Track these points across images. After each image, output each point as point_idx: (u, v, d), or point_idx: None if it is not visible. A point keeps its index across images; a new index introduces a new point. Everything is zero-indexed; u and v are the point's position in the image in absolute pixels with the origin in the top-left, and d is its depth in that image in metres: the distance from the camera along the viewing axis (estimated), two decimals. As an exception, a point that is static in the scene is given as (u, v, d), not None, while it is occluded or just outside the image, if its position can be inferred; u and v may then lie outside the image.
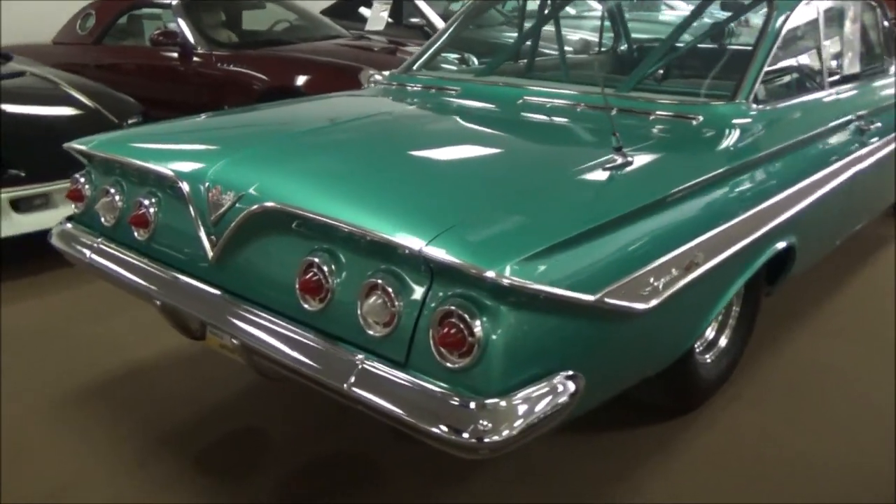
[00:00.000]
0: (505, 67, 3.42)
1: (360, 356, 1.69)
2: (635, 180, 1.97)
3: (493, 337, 1.52)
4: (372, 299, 1.66)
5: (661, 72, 3.55)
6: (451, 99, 2.90)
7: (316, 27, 6.41)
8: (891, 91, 3.53)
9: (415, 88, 3.08)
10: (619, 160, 1.97)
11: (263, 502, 2.22)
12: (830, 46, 3.06)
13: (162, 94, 5.63)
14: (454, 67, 4.51)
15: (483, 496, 2.22)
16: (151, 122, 4.33)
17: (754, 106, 2.49)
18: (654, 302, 1.81)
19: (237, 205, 1.96)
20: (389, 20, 6.38)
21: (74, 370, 2.92)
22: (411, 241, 1.58)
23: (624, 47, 4.23)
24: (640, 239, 1.82)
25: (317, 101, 3.12)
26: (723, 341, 2.63)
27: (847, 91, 3.11)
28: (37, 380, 2.86)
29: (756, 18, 3.92)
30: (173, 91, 5.66)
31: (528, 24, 3.83)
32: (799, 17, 2.80)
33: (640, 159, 2.03)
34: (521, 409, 1.53)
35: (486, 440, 1.50)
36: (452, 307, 1.55)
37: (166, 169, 2.18)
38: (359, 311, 1.69)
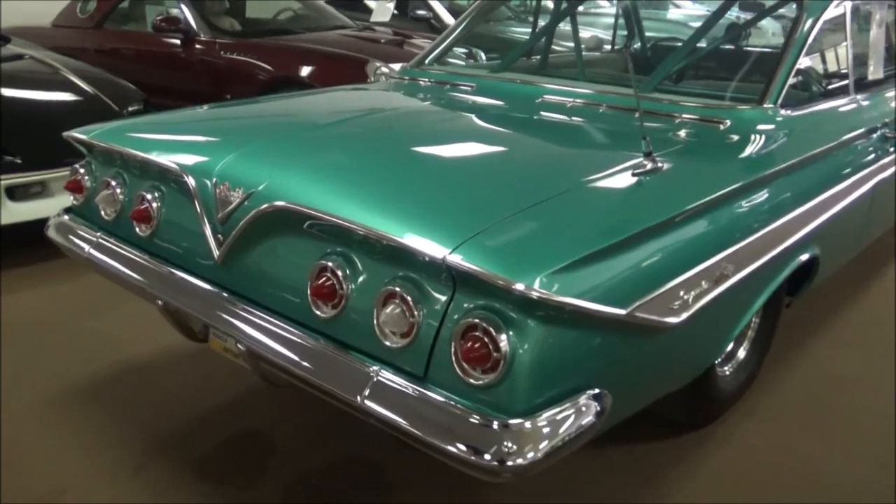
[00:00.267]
0: (518, 64, 3.32)
1: (374, 367, 1.60)
2: (665, 187, 1.88)
3: (520, 352, 1.43)
4: (389, 308, 1.57)
5: (678, 74, 3.47)
6: (467, 95, 2.80)
7: (321, 17, 6.30)
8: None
9: (427, 83, 2.99)
10: (649, 165, 1.88)
11: (265, 512, 2.14)
12: (856, 50, 2.98)
13: (163, 81, 5.52)
14: (461, 62, 4.42)
15: (494, 510, 2.14)
16: (152, 110, 4.24)
17: (782, 111, 2.40)
18: (684, 316, 1.72)
19: (246, 203, 1.87)
20: (395, 12, 6.27)
21: (71, 366, 2.83)
22: (434, 249, 1.49)
23: (637, 46, 4.14)
24: (670, 250, 1.73)
25: (326, 94, 3.02)
26: (741, 354, 2.55)
27: (873, 97, 3.02)
28: (31, 376, 2.76)
29: (777, 20, 3.85)
30: (175, 79, 5.55)
31: (539, 21, 3.74)
32: (828, 19, 2.71)
33: (669, 165, 1.94)
34: (547, 430, 1.44)
35: (510, 463, 1.41)
36: (476, 320, 1.45)
37: (171, 162, 2.08)
38: (375, 320, 1.60)
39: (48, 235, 2.48)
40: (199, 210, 1.98)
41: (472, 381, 1.47)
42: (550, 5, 3.91)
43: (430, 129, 2.36)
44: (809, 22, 2.58)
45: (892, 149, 3.03)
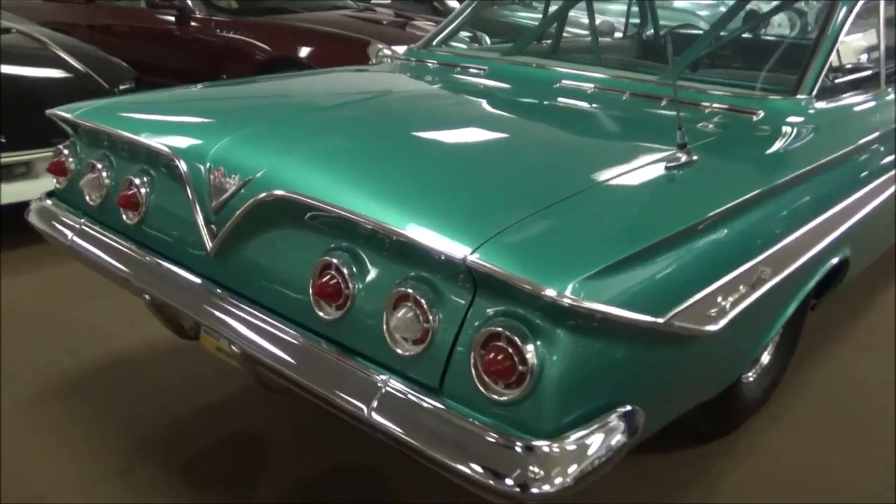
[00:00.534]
0: (529, 49, 3.15)
1: (383, 377, 1.45)
2: (701, 183, 1.73)
3: (549, 366, 1.28)
4: (401, 312, 1.41)
5: (695, 62, 3.30)
6: (479, 79, 2.63)
7: (321, -4, 6.12)
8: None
9: (435, 66, 2.82)
10: (683, 158, 1.72)
11: (258, 522, 1.99)
12: (889, 41, 2.82)
13: (157, 59, 5.33)
14: (465, 46, 4.25)
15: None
16: (145, 88, 4.07)
17: (816, 103, 2.25)
18: (721, 323, 1.57)
19: (242, 191, 1.71)
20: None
21: (55, 360, 2.67)
22: (453, 248, 1.33)
23: (651, 33, 3.97)
24: (707, 252, 1.58)
25: (329, 75, 2.84)
26: (766, 359, 2.40)
27: (905, 90, 2.87)
28: (13, 370, 2.60)
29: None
30: (169, 57, 5.36)
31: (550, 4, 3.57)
32: (862, 6, 2.54)
33: (702, 159, 1.79)
34: (576, 453, 1.29)
35: (535, 490, 1.26)
36: (499, 328, 1.30)
37: (162, 145, 1.92)
38: (384, 325, 1.45)
39: (29, 221, 2.31)
40: (190, 197, 1.81)
41: (493, 396, 1.31)
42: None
43: (442, 115, 2.19)
44: (845, 10, 2.42)
45: (923, 145, 2.88)
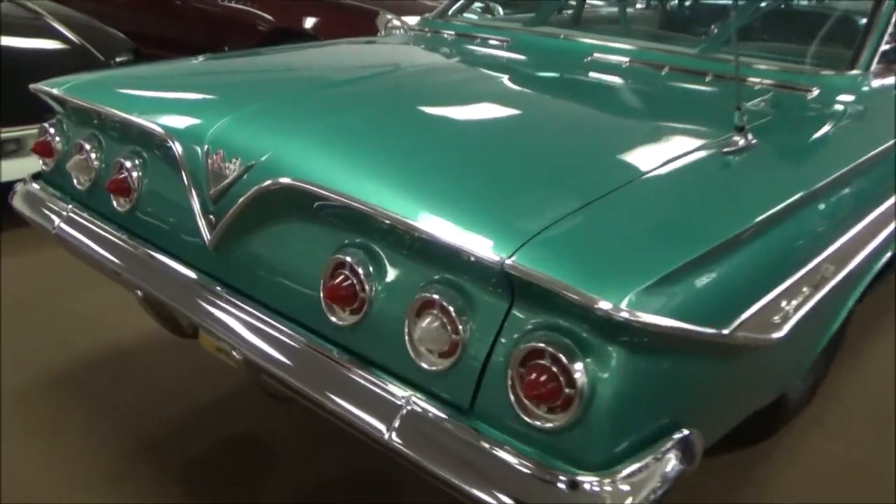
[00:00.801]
0: (552, 19, 2.93)
1: (405, 393, 1.27)
2: (763, 173, 1.54)
3: (600, 388, 1.10)
4: (426, 321, 1.23)
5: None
6: (501, 52, 2.42)
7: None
8: None
9: (452, 37, 2.60)
10: (741, 142, 1.53)
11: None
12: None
13: (155, 30, 5.11)
14: (476, 17, 4.02)
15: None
16: (143, 61, 3.86)
17: (873, 81, 2.04)
18: (786, 329, 1.39)
19: (244, 177, 1.52)
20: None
21: (41, 353, 2.50)
22: (488, 250, 1.15)
23: (676, 2, 3.74)
24: (772, 252, 1.39)
25: (338, 48, 2.63)
26: (809, 359, 2.22)
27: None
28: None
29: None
30: (167, 27, 5.15)
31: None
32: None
33: (758, 143, 1.59)
34: (628, 490, 1.11)
35: (581, 533, 1.09)
36: (542, 344, 1.12)
37: (154, 124, 1.73)
38: (406, 334, 1.27)
39: (14, 205, 2.12)
40: (186, 184, 1.63)
41: (535, 422, 1.13)
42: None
43: (464, 93, 1.97)
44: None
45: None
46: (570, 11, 3.15)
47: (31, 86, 2.09)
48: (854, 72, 2.01)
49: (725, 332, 1.22)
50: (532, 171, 1.44)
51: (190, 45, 4.84)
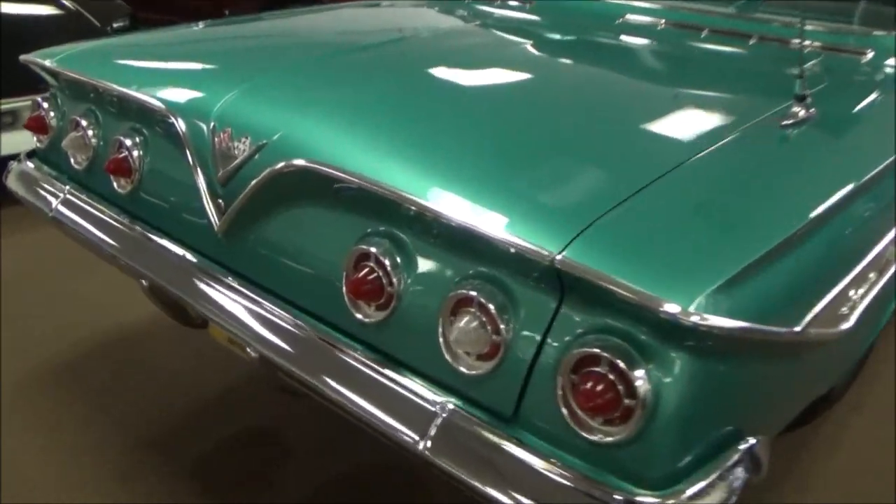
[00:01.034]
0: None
1: (441, 399, 1.15)
2: (826, 149, 1.40)
3: (664, 398, 0.98)
4: (463, 321, 1.11)
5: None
6: (523, 15, 2.26)
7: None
8: None
9: (469, -1, 2.44)
10: (801, 113, 1.39)
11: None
12: None
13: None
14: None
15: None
16: (141, 27, 3.70)
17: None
18: (853, 319, 1.27)
19: (255, 158, 1.38)
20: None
21: (41, 340, 2.39)
22: (536, 245, 1.02)
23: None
24: (840, 239, 1.26)
25: (350, 12, 2.46)
26: (852, 338, 2.10)
27: None
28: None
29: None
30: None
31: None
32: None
33: (817, 114, 1.44)
34: (697, 507, 1.00)
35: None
36: (597, 349, 0.99)
37: (155, 98, 1.59)
38: (441, 334, 1.14)
39: (8, 185, 1.99)
40: (192, 165, 1.49)
41: (589, 435, 1.02)
42: None
43: (491, 63, 1.79)
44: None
45: None
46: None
47: (22, 57, 1.95)
48: (911, 32, 1.86)
49: (798, 329, 1.09)
50: (573, 152, 1.30)
51: (190, 9, 4.66)
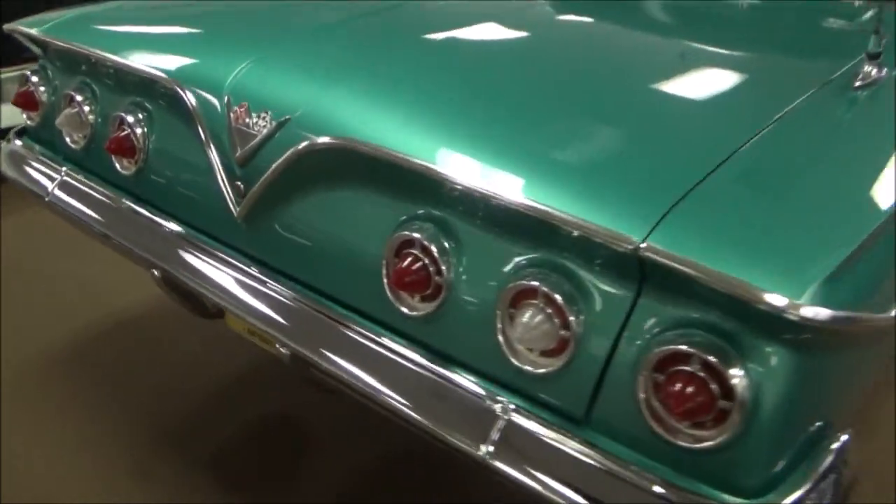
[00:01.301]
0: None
1: (502, 400, 1.05)
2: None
3: (764, 399, 0.88)
4: (527, 314, 1.00)
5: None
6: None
7: None
8: None
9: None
10: (874, 72, 1.27)
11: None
12: None
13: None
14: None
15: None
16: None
17: None
18: None
19: (277, 135, 1.25)
20: None
21: (42, 325, 2.28)
22: (616, 230, 0.90)
23: None
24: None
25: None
26: None
27: None
28: (-3, 341, 2.21)
29: None
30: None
31: None
32: None
33: (888, 74, 1.32)
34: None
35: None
36: (685, 346, 0.89)
37: (160, 70, 1.45)
38: (499, 330, 1.03)
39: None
40: (205, 143, 1.36)
41: (674, 440, 0.92)
42: None
43: (533, 23, 1.64)
44: None
45: None
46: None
47: (6, 26, 1.80)
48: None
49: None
50: (640, 125, 1.16)
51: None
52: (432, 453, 1.81)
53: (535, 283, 0.99)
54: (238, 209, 1.33)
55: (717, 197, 0.96)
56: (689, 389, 0.88)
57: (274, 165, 1.25)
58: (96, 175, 1.66)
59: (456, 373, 1.09)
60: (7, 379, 2.07)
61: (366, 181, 1.19)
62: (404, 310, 1.13)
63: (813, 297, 0.83)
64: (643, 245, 0.88)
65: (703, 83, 1.33)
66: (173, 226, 1.47)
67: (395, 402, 1.11)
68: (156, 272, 1.48)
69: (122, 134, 1.53)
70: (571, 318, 0.98)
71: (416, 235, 1.10)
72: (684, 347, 0.89)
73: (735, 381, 0.87)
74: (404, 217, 1.14)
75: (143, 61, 1.50)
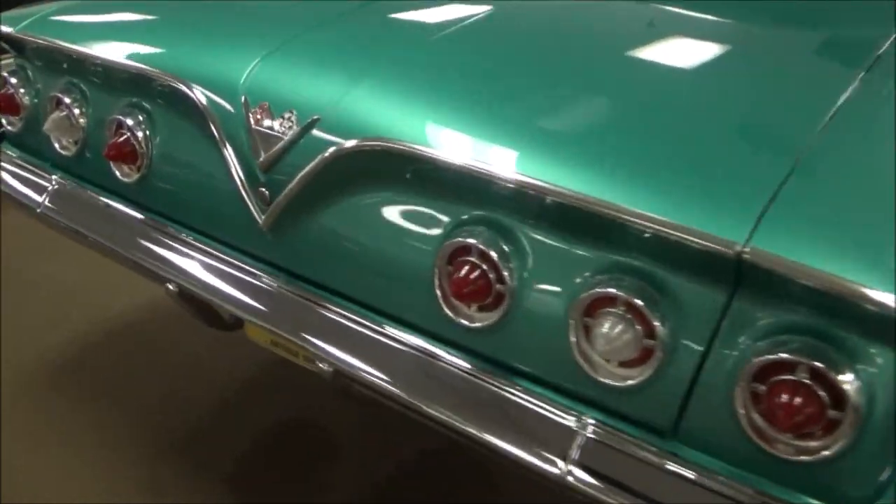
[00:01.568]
0: None
1: (579, 413, 0.98)
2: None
3: (878, 404, 0.83)
4: (606, 324, 0.93)
5: None
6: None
7: None
8: None
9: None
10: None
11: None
12: None
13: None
14: None
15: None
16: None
17: None
18: None
19: (306, 137, 1.16)
20: None
21: (33, 334, 2.16)
22: (713, 233, 0.84)
23: None
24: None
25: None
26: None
27: None
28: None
29: None
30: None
31: None
32: None
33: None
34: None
35: None
36: (791, 354, 0.83)
37: (160, 68, 1.34)
38: (574, 341, 0.97)
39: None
40: (220, 147, 1.26)
41: (776, 452, 0.86)
42: None
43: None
44: None
45: None
46: None
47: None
48: None
49: None
50: (715, 115, 1.08)
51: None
52: (455, 458, 1.77)
53: (614, 290, 0.93)
54: (263, 217, 1.23)
55: (808, 191, 0.90)
56: (797, 400, 0.82)
57: (305, 170, 1.15)
58: (91, 183, 1.55)
59: (525, 387, 1.02)
60: (3, 386, 1.96)
61: (408, 183, 1.10)
62: (462, 321, 1.06)
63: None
64: (747, 249, 0.82)
65: (761, 62, 1.25)
66: (192, 237, 1.36)
67: (459, 424, 1.03)
68: (171, 286, 1.38)
69: (122, 139, 1.42)
70: (657, 325, 0.91)
71: (472, 241, 1.02)
72: (788, 355, 0.83)
73: (846, 386, 0.82)
74: (456, 222, 1.06)
75: (140, 58, 1.38)
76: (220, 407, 1.96)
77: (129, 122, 1.41)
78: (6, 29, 1.58)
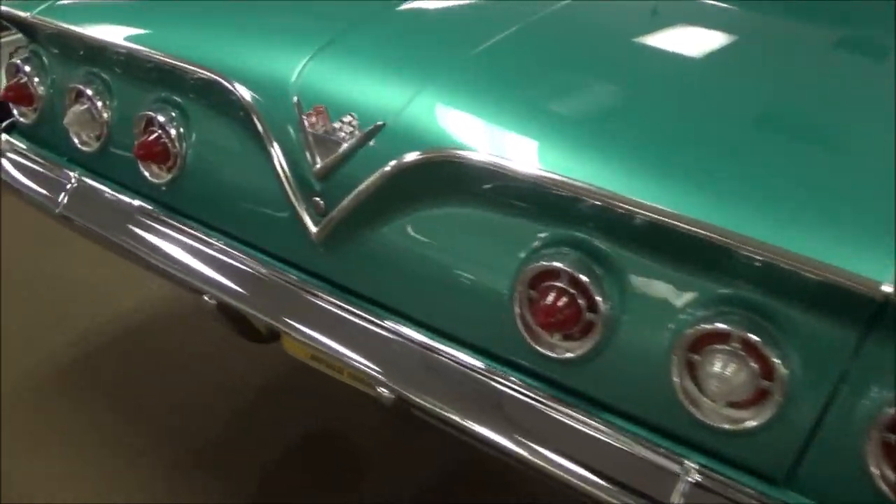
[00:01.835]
0: None
1: (681, 457, 0.90)
2: None
3: None
4: (717, 363, 0.85)
5: None
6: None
7: None
8: None
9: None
10: None
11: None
12: None
13: None
14: None
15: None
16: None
17: None
18: None
19: (370, 144, 1.06)
20: None
21: (39, 333, 2.06)
22: (859, 274, 0.76)
23: None
24: None
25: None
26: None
27: None
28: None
29: None
30: None
31: None
32: None
33: None
34: None
35: None
36: (937, 403, 0.76)
37: (198, 62, 1.23)
38: (678, 381, 0.88)
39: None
40: (269, 151, 1.16)
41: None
42: None
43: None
44: None
45: None
46: None
47: (-10, 11, 1.53)
48: None
49: None
50: (833, 137, 0.99)
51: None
52: (486, 471, 1.69)
53: (727, 326, 0.84)
54: (317, 229, 1.13)
55: None
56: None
57: (368, 181, 1.05)
58: (115, 181, 1.44)
59: (619, 427, 0.94)
60: (7, 393, 1.87)
61: (487, 198, 1.01)
62: (544, 351, 0.97)
63: None
64: (891, 290, 0.74)
65: (820, 69, 1.15)
66: (234, 247, 1.26)
67: (547, 465, 0.95)
68: (208, 298, 1.28)
69: (152, 137, 1.31)
70: (777, 363, 0.83)
71: (560, 265, 0.94)
72: (932, 405, 0.76)
73: None
74: (539, 242, 0.98)
75: (172, 49, 1.27)
76: (222, 408, 1.88)
77: (161, 118, 1.31)
78: (22, 14, 1.46)
